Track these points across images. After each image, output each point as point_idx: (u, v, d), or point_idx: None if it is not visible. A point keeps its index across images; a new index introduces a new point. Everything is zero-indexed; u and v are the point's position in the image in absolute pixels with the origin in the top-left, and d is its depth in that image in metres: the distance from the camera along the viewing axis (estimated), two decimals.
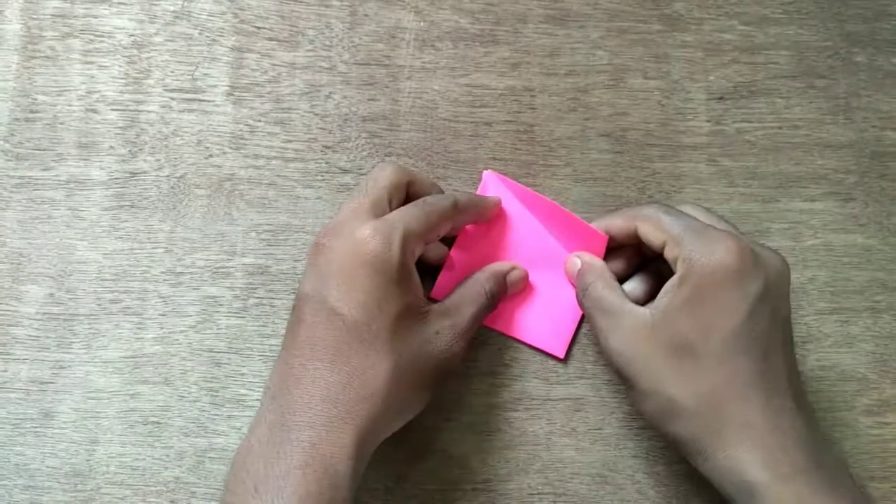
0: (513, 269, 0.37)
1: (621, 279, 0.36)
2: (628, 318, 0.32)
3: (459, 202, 0.34)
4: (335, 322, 0.29)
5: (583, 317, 0.37)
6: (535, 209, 0.38)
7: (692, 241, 0.31)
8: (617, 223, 0.35)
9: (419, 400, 0.32)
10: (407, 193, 0.34)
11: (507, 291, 0.36)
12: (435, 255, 0.37)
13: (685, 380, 0.30)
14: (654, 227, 0.33)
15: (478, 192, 0.38)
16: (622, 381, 0.33)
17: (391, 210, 0.33)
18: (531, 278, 0.38)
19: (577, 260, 0.36)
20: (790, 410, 0.29)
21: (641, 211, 0.34)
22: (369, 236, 0.30)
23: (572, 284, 0.37)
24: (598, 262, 0.36)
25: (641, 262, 0.37)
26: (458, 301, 0.34)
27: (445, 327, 0.32)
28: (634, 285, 0.36)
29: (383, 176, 0.33)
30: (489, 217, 0.37)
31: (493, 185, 0.38)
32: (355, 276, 0.30)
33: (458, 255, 0.37)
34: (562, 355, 0.37)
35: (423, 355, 0.31)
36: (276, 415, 0.29)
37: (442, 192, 0.37)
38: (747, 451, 0.28)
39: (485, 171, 0.38)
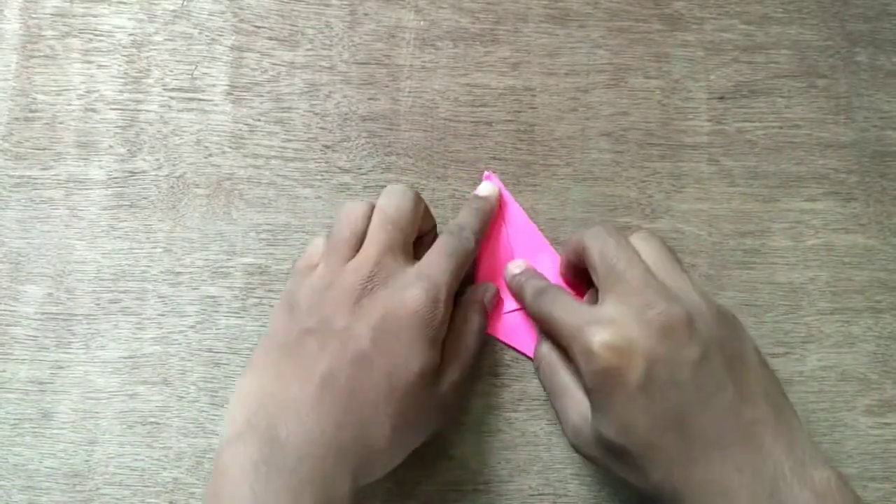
0: (486, 291, 0.36)
1: None
2: (574, 406, 0.32)
3: (478, 236, 0.35)
4: (362, 365, 0.29)
5: None
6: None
7: (574, 348, 0.30)
8: (520, 299, 0.36)
9: (411, 448, 0.32)
10: None
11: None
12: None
13: (634, 476, 0.29)
14: (548, 327, 0.33)
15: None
16: None
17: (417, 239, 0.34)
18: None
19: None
20: (736, 466, 0.27)
21: (538, 301, 0.34)
22: (419, 296, 0.30)
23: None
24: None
25: None
26: (455, 354, 0.33)
27: (450, 386, 0.32)
28: None
29: (407, 205, 0.33)
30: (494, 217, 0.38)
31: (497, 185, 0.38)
32: (397, 330, 0.30)
33: None
34: None
35: (428, 414, 0.31)
36: (268, 436, 0.27)
37: (434, 222, 0.37)
38: None
39: (486, 172, 0.39)
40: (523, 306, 0.36)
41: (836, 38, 0.41)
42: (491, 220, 0.37)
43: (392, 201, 0.33)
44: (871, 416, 0.37)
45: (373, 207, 0.34)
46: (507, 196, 0.38)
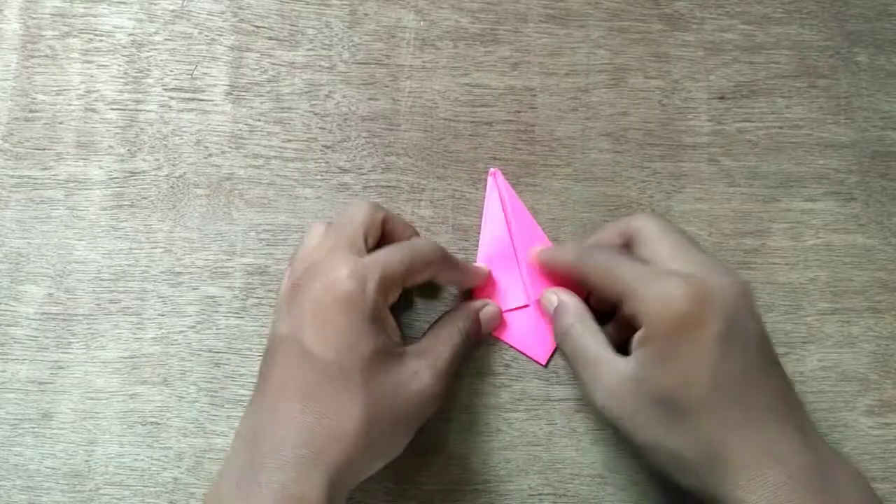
0: (485, 305, 0.36)
1: (602, 318, 0.35)
2: (608, 369, 0.31)
3: (449, 255, 0.34)
4: (308, 362, 0.29)
5: None
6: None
7: (646, 293, 0.30)
8: (561, 261, 0.35)
9: (397, 442, 0.31)
10: (382, 231, 0.33)
11: (483, 328, 0.36)
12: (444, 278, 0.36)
13: (680, 432, 0.29)
14: (604, 280, 0.32)
15: (486, 191, 0.39)
16: (617, 433, 0.32)
17: (367, 248, 0.32)
18: (526, 281, 0.37)
19: (553, 297, 0.35)
20: (788, 436, 0.28)
21: (587, 259, 0.33)
22: (346, 277, 0.29)
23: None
24: (574, 300, 0.35)
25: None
26: (432, 342, 0.33)
27: (423, 368, 0.31)
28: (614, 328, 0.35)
29: (358, 214, 0.33)
30: (478, 284, 0.37)
31: (500, 184, 0.39)
32: (329, 316, 0.29)
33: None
34: (543, 362, 0.37)
35: (399, 396, 0.30)
36: (246, 456, 0.28)
37: (417, 233, 0.36)
38: (752, 493, 0.27)
39: (491, 169, 0.39)
40: (561, 265, 0.35)
41: (836, 39, 0.41)
42: (461, 274, 0.36)
43: (342, 211, 0.33)
44: (872, 416, 0.37)
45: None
46: (512, 195, 0.38)
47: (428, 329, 0.35)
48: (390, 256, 0.31)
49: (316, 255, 0.31)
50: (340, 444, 0.28)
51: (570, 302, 0.34)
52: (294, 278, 0.31)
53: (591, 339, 0.33)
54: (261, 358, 0.31)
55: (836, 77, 0.41)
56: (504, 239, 0.38)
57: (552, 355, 0.37)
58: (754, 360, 0.29)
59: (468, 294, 0.38)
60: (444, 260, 0.33)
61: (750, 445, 0.28)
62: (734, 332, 0.29)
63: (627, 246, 0.33)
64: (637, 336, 0.30)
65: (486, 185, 0.39)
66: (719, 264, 0.31)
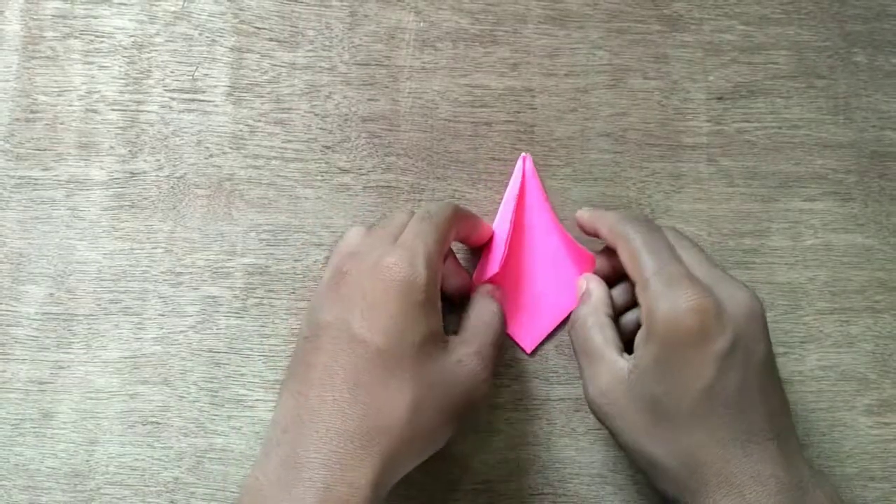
0: (497, 289, 0.36)
1: (628, 306, 0.35)
2: (607, 367, 0.31)
3: (458, 207, 0.34)
4: (357, 350, 0.28)
5: (564, 320, 0.37)
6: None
7: (658, 291, 0.30)
8: (601, 229, 0.35)
9: (442, 433, 0.30)
10: None
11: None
12: (456, 286, 0.36)
13: (662, 440, 0.29)
14: (630, 259, 0.32)
15: (513, 174, 0.39)
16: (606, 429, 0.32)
17: None
18: (528, 267, 0.37)
19: (583, 283, 0.36)
20: (771, 457, 0.28)
21: (625, 230, 0.33)
22: (396, 262, 0.29)
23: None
24: (598, 293, 0.35)
25: None
26: (475, 327, 0.33)
27: (468, 355, 0.31)
28: (636, 315, 0.35)
29: (400, 217, 0.33)
30: (485, 236, 0.37)
31: (528, 169, 0.39)
32: (382, 303, 0.29)
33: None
34: (528, 351, 0.37)
35: (445, 384, 0.30)
36: (287, 449, 0.27)
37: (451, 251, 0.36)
38: None
39: (522, 154, 0.39)
40: (602, 224, 0.34)
41: (834, 39, 0.41)
42: (471, 224, 0.36)
43: (384, 215, 0.33)
44: (871, 415, 0.37)
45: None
46: (536, 181, 0.39)
47: (464, 314, 0.34)
48: (422, 231, 0.31)
49: (359, 248, 0.31)
50: (387, 436, 0.27)
51: (594, 292, 0.35)
52: (337, 265, 0.31)
53: (598, 333, 0.33)
54: (293, 349, 0.31)
55: (834, 77, 0.41)
56: (506, 214, 0.38)
57: (540, 346, 0.37)
58: (753, 380, 0.29)
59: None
60: (460, 211, 0.34)
61: (732, 463, 0.28)
62: (738, 352, 0.29)
63: None
64: (640, 333, 0.31)
65: (513, 168, 0.39)
66: (735, 280, 0.31)
